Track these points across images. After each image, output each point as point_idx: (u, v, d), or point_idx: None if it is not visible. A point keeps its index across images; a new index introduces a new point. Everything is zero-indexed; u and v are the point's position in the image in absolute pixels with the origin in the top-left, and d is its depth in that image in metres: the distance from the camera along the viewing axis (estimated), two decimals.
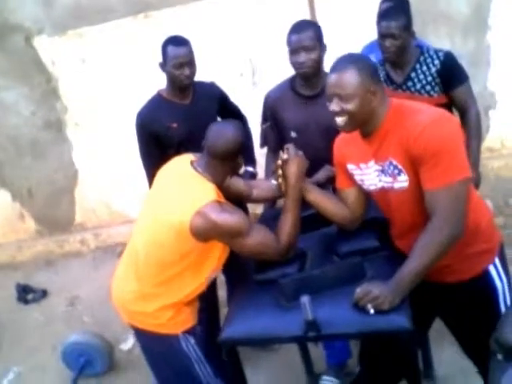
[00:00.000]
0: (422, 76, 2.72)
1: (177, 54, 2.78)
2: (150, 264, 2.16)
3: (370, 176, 2.03)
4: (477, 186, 2.78)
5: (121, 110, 4.38)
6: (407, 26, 2.67)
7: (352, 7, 4.11)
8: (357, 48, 3.11)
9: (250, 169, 3.03)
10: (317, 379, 2.95)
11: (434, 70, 2.69)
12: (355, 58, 1.95)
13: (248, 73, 4.32)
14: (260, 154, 2.97)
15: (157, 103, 2.94)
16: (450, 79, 2.71)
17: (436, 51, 2.72)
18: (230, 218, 2.00)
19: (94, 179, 4.88)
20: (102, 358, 3.52)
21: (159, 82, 2.99)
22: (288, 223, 2.14)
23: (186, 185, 2.14)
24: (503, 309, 2.03)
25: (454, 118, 1.92)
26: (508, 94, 4.36)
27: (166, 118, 2.87)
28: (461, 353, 2.91)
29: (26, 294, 4.55)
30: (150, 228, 2.16)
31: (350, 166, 2.11)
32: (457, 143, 1.83)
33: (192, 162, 2.21)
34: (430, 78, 2.70)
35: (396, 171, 1.91)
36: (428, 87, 2.72)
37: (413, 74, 2.73)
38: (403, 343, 1.84)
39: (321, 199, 2.22)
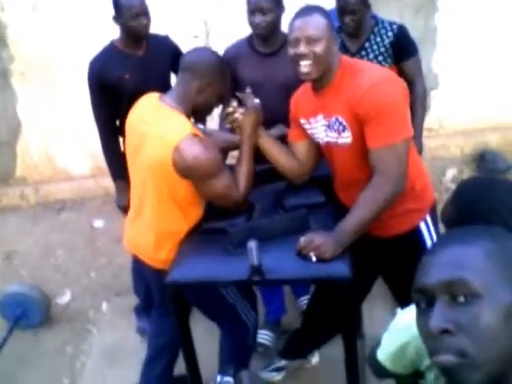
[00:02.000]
0: (375, 46, 2.80)
1: (131, 4, 2.77)
2: (154, 207, 2.18)
3: (318, 130, 2.11)
4: (419, 153, 2.90)
5: (70, 62, 4.27)
6: (365, 0, 2.74)
7: None
8: None
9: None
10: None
11: (387, 41, 2.78)
12: (317, 7, 2.02)
13: (202, 35, 4.31)
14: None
15: (109, 53, 2.92)
16: (402, 51, 2.81)
17: (390, 23, 2.82)
18: (204, 155, 2.00)
19: (38, 133, 4.75)
20: (38, 310, 3.51)
21: (111, 34, 2.95)
22: (244, 172, 2.19)
23: (160, 121, 2.11)
24: None
25: (399, 79, 2.01)
26: (450, 76, 4.52)
27: (118, 68, 2.86)
28: (390, 312, 3.09)
29: None
30: (143, 174, 2.17)
31: (302, 120, 2.18)
32: (400, 104, 1.91)
33: (160, 98, 2.18)
34: (382, 49, 2.79)
35: (341, 127, 1.98)
36: (380, 58, 2.80)
37: (367, 44, 2.81)
38: (342, 293, 1.93)
39: (272, 146, 2.27)
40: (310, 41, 1.91)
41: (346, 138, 1.99)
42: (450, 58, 4.45)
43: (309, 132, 2.18)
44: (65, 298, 3.83)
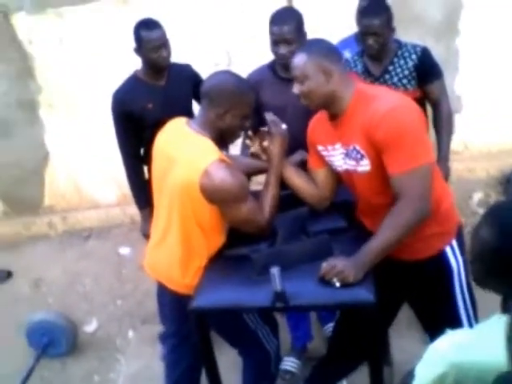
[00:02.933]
0: (399, 69, 2.79)
1: (151, 37, 2.85)
2: (180, 230, 2.18)
3: (336, 158, 2.12)
4: (446, 178, 2.85)
5: (96, 93, 4.37)
6: (389, 22, 2.74)
7: None
8: (332, 39, 3.18)
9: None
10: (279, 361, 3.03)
11: (411, 64, 2.77)
12: (311, 42, 2.08)
13: (224, 63, 4.37)
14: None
15: (132, 84, 3.00)
16: (426, 74, 2.80)
17: (414, 46, 2.81)
18: (231, 179, 2.02)
19: (65, 162, 4.84)
20: (65, 338, 3.54)
21: (135, 66, 3.04)
22: (270, 199, 2.21)
23: (188, 146, 2.14)
24: (458, 288, 2.13)
25: (415, 105, 2.00)
26: (473, 99, 4.49)
27: (141, 98, 2.93)
28: (418, 339, 3.04)
29: None
30: (170, 198, 2.18)
31: (320, 147, 2.20)
32: (417, 129, 1.90)
33: (187, 123, 2.23)
34: (406, 72, 2.78)
35: (359, 156, 1.99)
36: (404, 81, 2.79)
37: (390, 67, 2.81)
38: (367, 318, 1.91)
39: (293, 176, 2.30)
40: (298, 81, 2.00)
41: (365, 166, 1.99)
42: (473, 81, 4.43)
43: (327, 159, 2.19)
44: (92, 326, 3.86)
